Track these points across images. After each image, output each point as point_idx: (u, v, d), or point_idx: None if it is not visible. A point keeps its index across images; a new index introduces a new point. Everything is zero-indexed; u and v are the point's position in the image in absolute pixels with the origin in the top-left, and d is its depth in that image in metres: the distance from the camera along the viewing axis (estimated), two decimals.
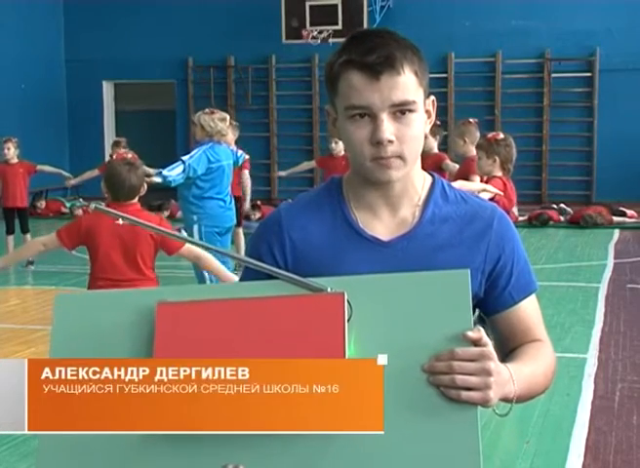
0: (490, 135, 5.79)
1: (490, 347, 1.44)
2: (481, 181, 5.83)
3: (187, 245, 4.24)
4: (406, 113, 1.56)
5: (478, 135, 6.74)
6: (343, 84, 1.58)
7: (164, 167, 6.62)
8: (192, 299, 1.49)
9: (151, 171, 9.64)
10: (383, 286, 1.49)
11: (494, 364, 1.43)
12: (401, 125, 1.56)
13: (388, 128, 1.55)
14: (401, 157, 1.58)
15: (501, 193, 5.29)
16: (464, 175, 6.57)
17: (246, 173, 9.56)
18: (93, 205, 1.65)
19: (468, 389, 1.41)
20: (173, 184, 6.49)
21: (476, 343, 1.44)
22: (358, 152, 1.59)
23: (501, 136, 5.65)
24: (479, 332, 1.44)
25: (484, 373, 1.42)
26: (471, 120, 7.21)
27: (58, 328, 1.54)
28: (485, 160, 5.56)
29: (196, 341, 1.45)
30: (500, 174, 5.53)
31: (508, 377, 1.48)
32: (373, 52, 1.54)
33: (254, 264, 1.56)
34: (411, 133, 1.57)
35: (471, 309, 1.48)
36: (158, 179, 6.44)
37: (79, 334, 1.52)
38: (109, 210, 1.66)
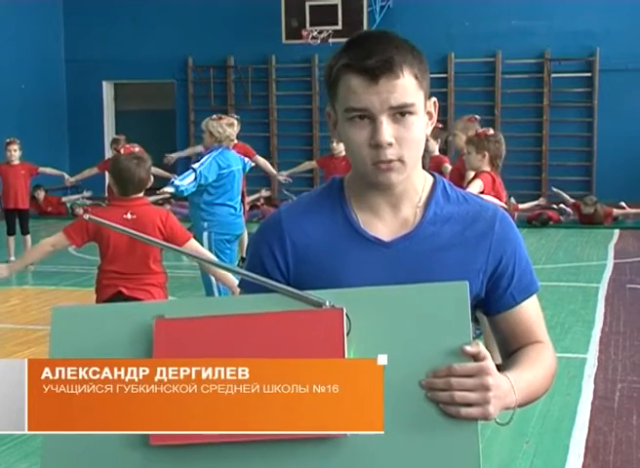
0: (480, 130, 5.86)
1: (488, 361, 1.43)
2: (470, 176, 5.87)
3: (192, 241, 4.31)
4: (405, 115, 1.55)
5: None
6: (343, 87, 1.57)
7: (163, 167, 6.61)
8: (191, 315, 1.48)
9: (158, 171, 9.64)
10: (382, 298, 1.47)
11: (492, 378, 1.42)
12: (401, 127, 1.55)
13: (387, 130, 1.54)
14: (401, 160, 1.57)
15: (501, 204, 5.31)
16: (459, 170, 6.62)
17: (258, 158, 9.56)
18: (87, 216, 1.64)
19: (468, 405, 1.40)
20: (185, 194, 6.46)
21: (475, 357, 1.43)
22: (358, 155, 1.58)
23: (491, 131, 5.70)
24: (477, 346, 1.43)
25: (482, 389, 1.41)
26: (477, 117, 7.26)
27: (55, 341, 1.53)
28: (474, 155, 5.61)
29: (194, 357, 1.44)
30: (488, 169, 5.57)
31: (509, 389, 1.47)
32: (371, 56, 1.53)
33: (251, 277, 1.55)
34: (411, 135, 1.56)
35: (470, 321, 1.46)
36: (170, 189, 6.43)
37: (77, 349, 1.51)
38: (102, 221, 1.64)
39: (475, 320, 6.07)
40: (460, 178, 6.30)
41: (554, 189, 14.05)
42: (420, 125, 1.59)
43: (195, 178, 6.38)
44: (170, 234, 4.28)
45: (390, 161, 1.56)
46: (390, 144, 1.55)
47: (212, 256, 4.43)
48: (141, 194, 4.43)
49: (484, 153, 5.54)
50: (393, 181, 1.59)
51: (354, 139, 1.57)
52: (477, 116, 7.37)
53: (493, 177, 5.55)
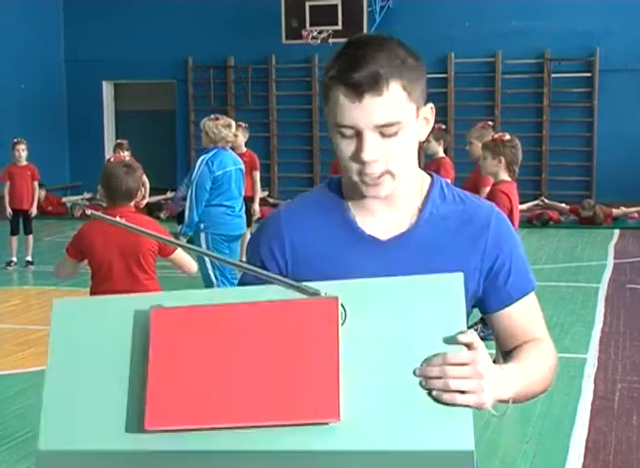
0: (497, 135, 5.76)
1: (482, 350, 1.44)
2: (491, 183, 5.80)
3: (178, 251, 4.31)
4: (392, 131, 1.54)
5: None
6: (332, 99, 1.56)
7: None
8: (187, 305, 1.49)
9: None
10: (377, 289, 1.48)
11: (486, 367, 1.43)
12: (387, 142, 1.55)
13: (372, 147, 1.53)
14: (389, 173, 1.58)
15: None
16: (475, 182, 6.49)
17: (257, 174, 9.62)
18: (89, 211, 1.65)
19: (462, 392, 1.41)
20: (195, 221, 6.52)
21: (469, 346, 1.44)
22: (346, 167, 1.59)
23: (508, 136, 5.60)
24: (471, 336, 1.44)
25: (476, 377, 1.42)
26: (490, 123, 7.22)
27: (56, 333, 1.54)
28: (490, 160, 5.53)
29: (191, 346, 1.46)
30: (506, 175, 5.51)
31: (503, 379, 1.47)
32: (357, 68, 1.51)
33: (248, 269, 1.56)
34: (398, 150, 1.56)
35: (465, 312, 1.47)
36: (185, 234, 6.55)
37: (77, 340, 1.53)
38: (106, 216, 1.65)
39: (483, 322, 6.07)
40: (474, 190, 6.14)
41: (546, 201, 14.05)
42: (410, 137, 1.58)
43: (191, 207, 6.46)
44: (161, 243, 4.26)
45: (376, 175, 1.57)
46: (375, 161, 1.55)
47: (193, 263, 4.45)
48: (131, 203, 4.33)
49: (500, 158, 5.48)
50: (380, 194, 1.61)
51: (342, 152, 1.58)
52: (490, 122, 7.33)
53: (510, 190, 5.48)
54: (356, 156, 1.55)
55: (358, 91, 1.51)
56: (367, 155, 1.53)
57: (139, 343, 1.49)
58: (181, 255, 4.34)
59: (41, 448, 1.50)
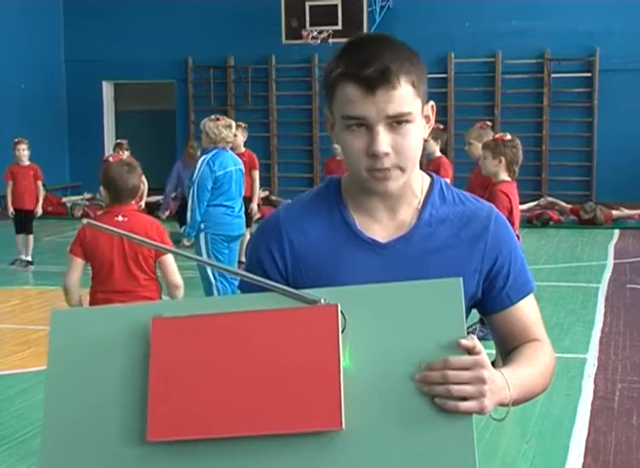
0: (497, 135, 5.76)
1: (483, 355, 1.43)
2: (491, 183, 5.79)
3: (168, 257, 4.27)
4: (402, 124, 1.55)
5: None
6: (340, 94, 1.56)
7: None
8: (187, 314, 1.49)
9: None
10: (376, 295, 1.48)
11: (487, 372, 1.42)
12: (397, 136, 1.55)
13: (384, 140, 1.54)
14: (399, 167, 1.57)
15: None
16: (481, 181, 6.46)
17: (256, 173, 9.63)
18: (85, 220, 1.64)
19: (463, 399, 1.40)
20: (198, 222, 6.53)
21: (470, 351, 1.43)
22: (355, 162, 1.58)
23: (509, 136, 5.60)
24: (472, 340, 1.43)
25: (478, 382, 1.41)
26: (488, 123, 7.22)
27: (54, 344, 1.53)
28: (490, 160, 5.53)
29: (192, 356, 1.45)
30: (506, 175, 5.50)
31: (503, 384, 1.47)
32: (368, 64, 1.52)
33: (247, 277, 1.55)
34: (408, 143, 1.56)
35: (464, 317, 1.46)
36: (188, 236, 6.61)
37: (76, 351, 1.51)
38: (101, 225, 1.64)
39: (482, 322, 6.07)
40: (482, 190, 6.07)
41: (549, 199, 14.08)
42: (418, 131, 1.59)
43: (193, 208, 6.48)
44: (160, 240, 4.25)
45: (387, 169, 1.56)
46: (387, 154, 1.55)
47: (178, 277, 4.38)
48: (133, 201, 4.40)
49: (500, 158, 5.48)
50: (390, 189, 1.60)
51: (351, 147, 1.57)
52: (489, 122, 7.34)
53: (510, 190, 5.47)
54: (367, 150, 1.55)
55: (370, 85, 1.52)
56: (379, 147, 1.53)
57: (138, 354, 1.48)
58: (172, 261, 4.33)
59: (41, 451, 1.49)
